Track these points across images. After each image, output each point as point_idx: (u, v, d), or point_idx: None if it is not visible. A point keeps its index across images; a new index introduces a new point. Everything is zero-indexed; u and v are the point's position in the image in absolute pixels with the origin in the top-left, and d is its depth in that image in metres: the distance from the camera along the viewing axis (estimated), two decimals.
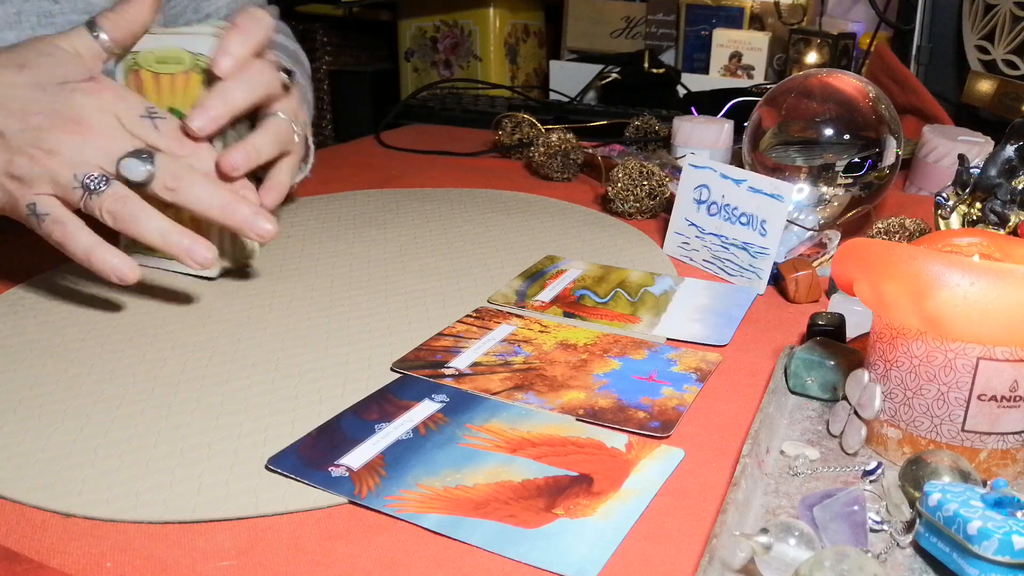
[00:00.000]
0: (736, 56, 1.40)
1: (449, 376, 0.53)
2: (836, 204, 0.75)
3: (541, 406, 0.50)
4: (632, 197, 0.83)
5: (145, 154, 0.56)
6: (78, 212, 0.57)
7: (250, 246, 0.68)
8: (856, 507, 0.38)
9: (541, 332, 0.59)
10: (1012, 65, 1.09)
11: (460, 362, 0.55)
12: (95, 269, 0.57)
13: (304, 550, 0.38)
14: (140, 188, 0.56)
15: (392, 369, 0.54)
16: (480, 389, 0.52)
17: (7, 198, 0.57)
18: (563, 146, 0.97)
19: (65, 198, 0.56)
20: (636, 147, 1.06)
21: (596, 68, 1.44)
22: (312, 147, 0.76)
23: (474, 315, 0.62)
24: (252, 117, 0.65)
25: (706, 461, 0.46)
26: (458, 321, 0.60)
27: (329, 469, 0.43)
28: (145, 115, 0.58)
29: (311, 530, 0.40)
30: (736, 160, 0.92)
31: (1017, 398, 0.42)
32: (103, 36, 0.59)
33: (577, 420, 0.49)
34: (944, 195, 0.69)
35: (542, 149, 0.97)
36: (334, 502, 0.41)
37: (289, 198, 0.83)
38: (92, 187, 0.55)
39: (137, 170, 0.55)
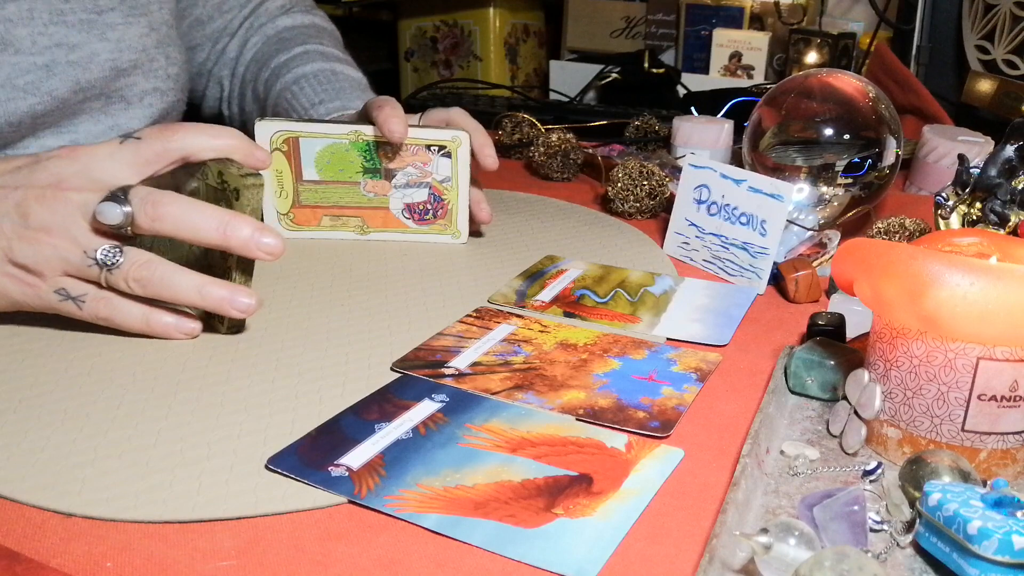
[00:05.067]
0: (736, 56, 1.40)
1: (449, 376, 0.53)
2: (836, 204, 0.75)
3: (541, 406, 0.50)
4: (632, 197, 0.83)
5: (121, 193, 0.52)
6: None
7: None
8: (856, 507, 0.38)
9: (541, 332, 0.59)
10: (1012, 65, 1.09)
11: (460, 362, 0.55)
12: (157, 333, 0.56)
13: (304, 550, 0.38)
14: (126, 231, 0.52)
15: (392, 369, 0.54)
16: (480, 389, 0.52)
17: (20, 288, 0.53)
18: (563, 146, 0.97)
19: (83, 276, 0.53)
20: (636, 147, 1.06)
21: (596, 68, 1.44)
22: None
23: (474, 315, 0.62)
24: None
25: (706, 461, 0.46)
26: (458, 321, 0.60)
27: (329, 469, 0.43)
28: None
29: (311, 530, 0.40)
30: (736, 160, 0.92)
31: (1017, 398, 0.42)
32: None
33: (577, 420, 0.49)
34: (944, 195, 0.69)
35: (542, 149, 0.97)
36: (334, 502, 0.41)
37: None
38: (108, 262, 0.52)
39: (112, 212, 0.51)
